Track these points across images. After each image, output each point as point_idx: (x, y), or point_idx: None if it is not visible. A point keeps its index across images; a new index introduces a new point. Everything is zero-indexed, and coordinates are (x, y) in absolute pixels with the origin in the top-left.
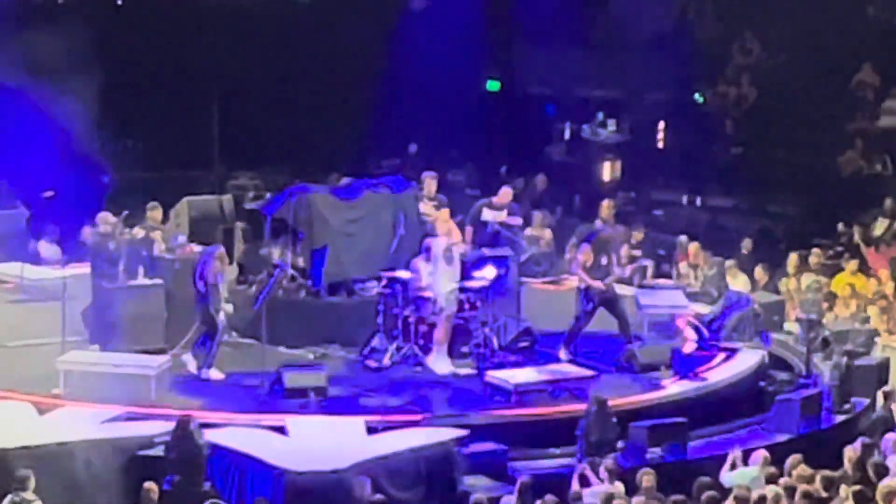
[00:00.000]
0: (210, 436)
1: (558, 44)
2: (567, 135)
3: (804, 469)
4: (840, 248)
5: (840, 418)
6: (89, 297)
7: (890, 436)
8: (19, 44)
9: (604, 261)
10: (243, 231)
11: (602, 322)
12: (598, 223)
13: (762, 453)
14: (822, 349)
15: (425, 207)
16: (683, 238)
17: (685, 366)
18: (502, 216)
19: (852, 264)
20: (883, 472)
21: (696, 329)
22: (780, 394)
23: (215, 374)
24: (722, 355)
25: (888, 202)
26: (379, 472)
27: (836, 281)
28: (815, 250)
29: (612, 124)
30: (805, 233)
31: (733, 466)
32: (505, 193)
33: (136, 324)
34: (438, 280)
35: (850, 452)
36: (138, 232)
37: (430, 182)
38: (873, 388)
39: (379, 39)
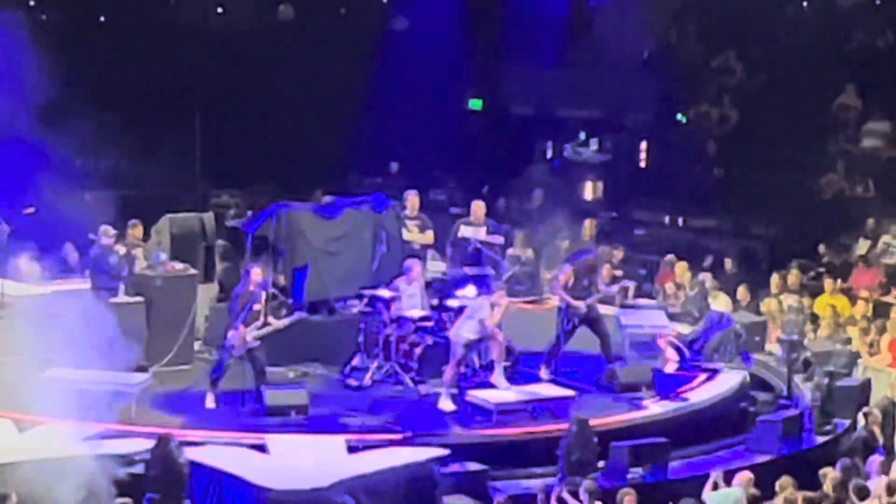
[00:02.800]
0: (190, 453)
1: (541, 63)
2: (549, 154)
3: (791, 493)
4: (821, 270)
5: (821, 439)
6: (70, 314)
7: (875, 458)
8: (0, 60)
9: (585, 281)
10: (224, 249)
11: (583, 341)
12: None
13: (745, 474)
14: (803, 370)
15: (410, 235)
16: (671, 257)
17: (666, 386)
18: (482, 233)
19: (832, 285)
20: (864, 494)
21: (678, 349)
22: (762, 414)
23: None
24: (703, 376)
25: (870, 223)
26: (359, 491)
27: (817, 302)
28: (796, 271)
29: (594, 144)
30: (787, 254)
31: (715, 487)
32: (477, 207)
33: (116, 341)
34: (462, 331)
35: (829, 473)
36: (120, 249)
37: (412, 199)
38: (854, 409)
39: (362, 57)
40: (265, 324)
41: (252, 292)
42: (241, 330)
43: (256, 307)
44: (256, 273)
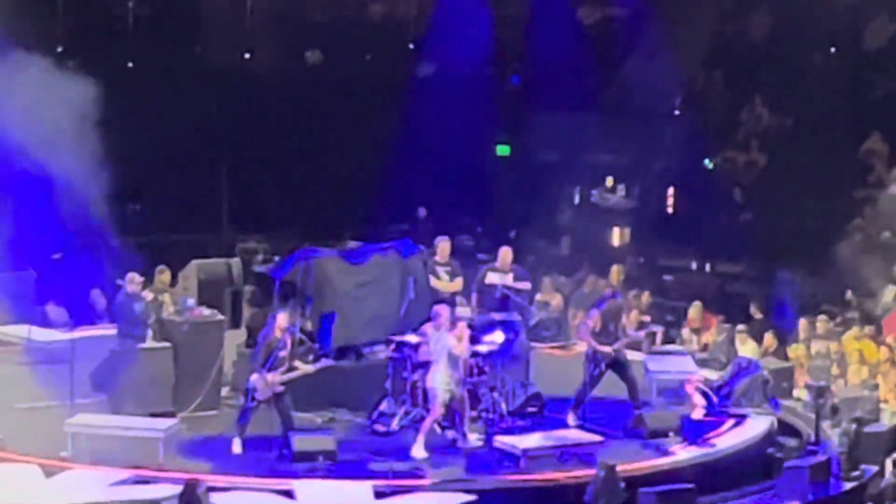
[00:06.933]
0: (217, 499)
1: (568, 109)
2: (577, 200)
3: None
4: (848, 315)
5: (849, 485)
6: (97, 360)
7: None
8: (28, 105)
9: (612, 326)
10: (252, 295)
11: (610, 387)
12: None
13: None
14: (831, 416)
15: (440, 282)
16: (698, 303)
17: (694, 432)
18: (509, 279)
19: (855, 330)
20: None
21: (705, 395)
22: (789, 460)
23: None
24: (731, 421)
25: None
26: None
27: (845, 343)
28: (824, 317)
29: (621, 189)
30: (814, 299)
31: None
32: (505, 253)
33: (144, 386)
34: (439, 377)
35: None
36: (147, 295)
37: (443, 247)
38: (882, 455)
39: (389, 103)
40: (290, 368)
41: (277, 339)
42: (266, 375)
43: (282, 354)
44: (282, 319)
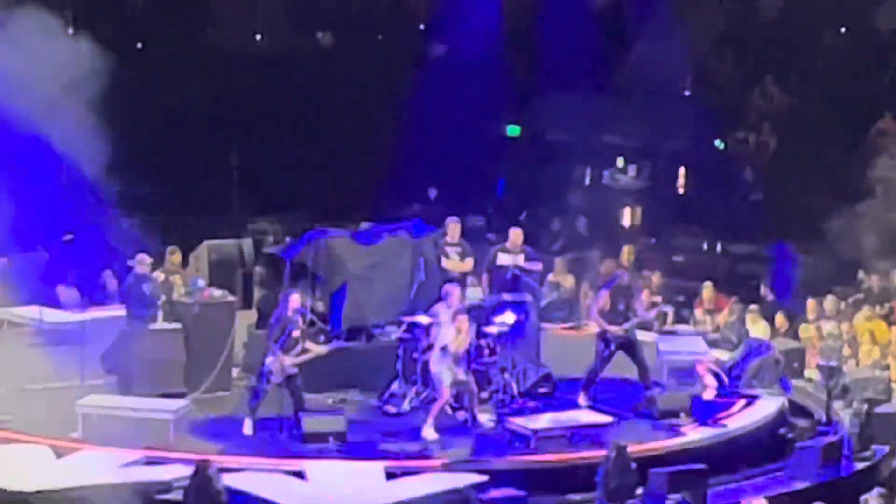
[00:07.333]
0: (228, 480)
1: (579, 89)
2: (587, 181)
3: None
4: (860, 296)
5: (860, 466)
6: (108, 341)
7: None
8: (38, 87)
9: (621, 306)
10: (262, 276)
11: (621, 368)
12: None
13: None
14: (842, 396)
15: (450, 262)
16: (710, 284)
17: (705, 412)
18: (520, 260)
19: (867, 311)
20: None
21: (716, 375)
22: (801, 441)
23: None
24: (742, 402)
25: None
26: None
27: (856, 325)
28: (835, 297)
29: (632, 170)
30: (825, 280)
31: None
32: (516, 234)
33: (155, 367)
34: (441, 368)
35: (870, 501)
36: (158, 276)
37: (453, 227)
38: (893, 436)
39: (399, 84)
40: (304, 350)
41: (290, 318)
42: (280, 357)
43: (295, 333)
44: (294, 299)
